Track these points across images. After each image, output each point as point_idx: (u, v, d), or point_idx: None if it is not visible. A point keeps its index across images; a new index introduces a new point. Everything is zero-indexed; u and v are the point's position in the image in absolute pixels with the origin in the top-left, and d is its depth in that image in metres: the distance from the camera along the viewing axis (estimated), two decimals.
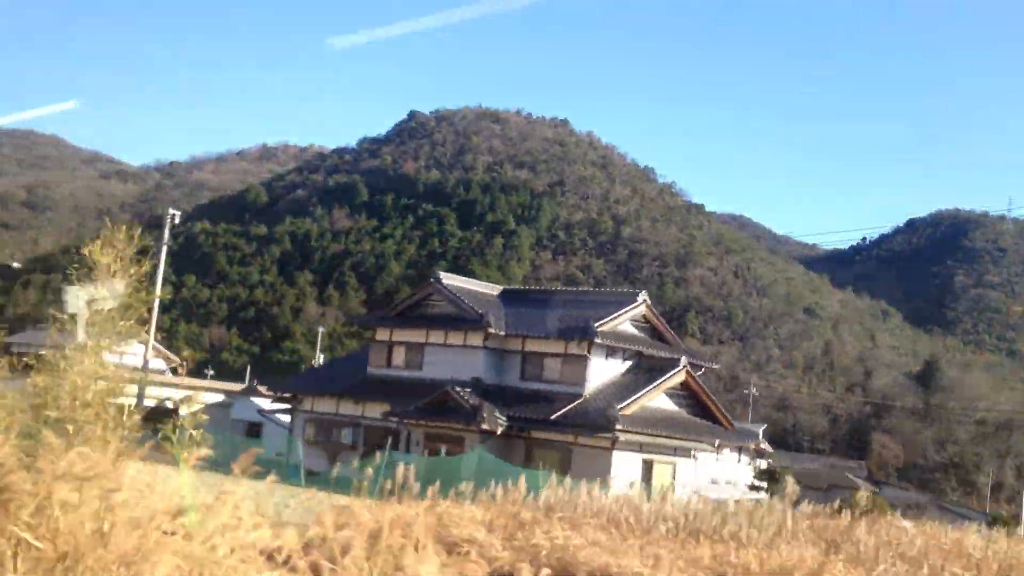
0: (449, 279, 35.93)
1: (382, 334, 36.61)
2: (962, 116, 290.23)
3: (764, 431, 50.43)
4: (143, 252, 7.13)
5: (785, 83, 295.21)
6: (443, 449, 29.59)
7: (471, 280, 39.68)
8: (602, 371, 31.78)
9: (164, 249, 40.20)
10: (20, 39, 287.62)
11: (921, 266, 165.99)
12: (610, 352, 32.14)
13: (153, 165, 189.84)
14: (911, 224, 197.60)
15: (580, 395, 30.83)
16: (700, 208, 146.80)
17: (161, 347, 48.47)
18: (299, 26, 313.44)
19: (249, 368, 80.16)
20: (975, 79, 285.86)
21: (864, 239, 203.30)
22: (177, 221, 39.69)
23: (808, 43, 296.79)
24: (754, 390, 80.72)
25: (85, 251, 7.10)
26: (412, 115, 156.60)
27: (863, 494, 26.38)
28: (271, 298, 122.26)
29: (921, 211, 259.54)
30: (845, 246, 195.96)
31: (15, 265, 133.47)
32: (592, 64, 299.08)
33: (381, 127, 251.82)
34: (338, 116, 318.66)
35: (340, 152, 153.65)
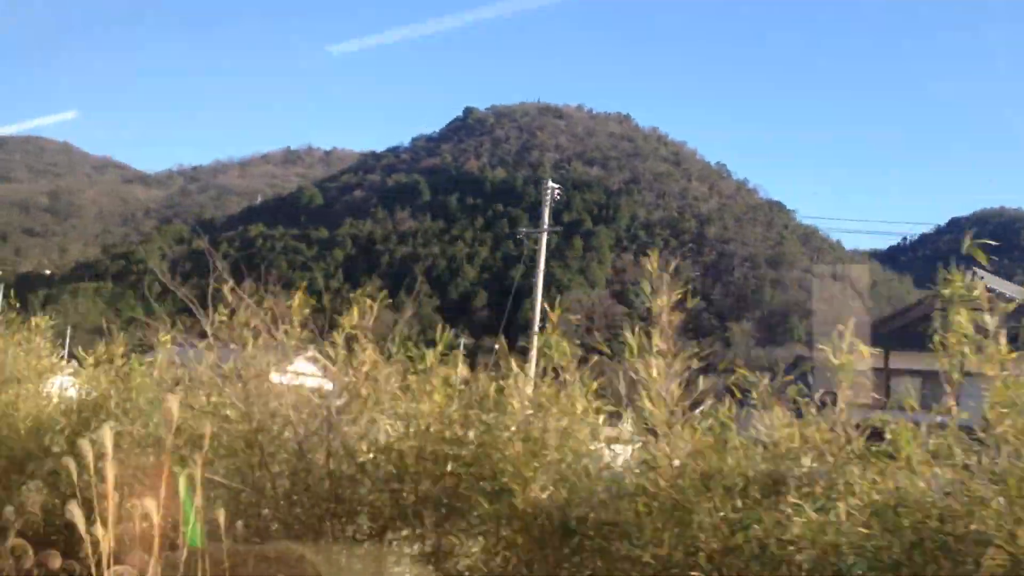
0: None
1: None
2: (985, 115, 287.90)
3: None
4: None
5: (806, 76, 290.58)
6: None
7: (991, 276, 28.89)
8: None
9: (543, 238, 32.56)
10: (23, 49, 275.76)
11: (973, 266, 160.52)
12: None
13: (176, 170, 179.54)
14: (954, 223, 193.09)
15: None
16: (780, 206, 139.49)
17: None
18: (305, 30, 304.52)
19: None
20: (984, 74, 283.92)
21: (905, 239, 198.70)
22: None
23: (833, 40, 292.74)
24: None
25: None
26: (468, 112, 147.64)
27: None
28: (340, 305, 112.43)
29: (963, 210, 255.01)
30: (884, 246, 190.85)
31: (47, 272, 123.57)
32: (645, 58, 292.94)
33: (407, 128, 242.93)
34: (355, 118, 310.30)
35: (395, 151, 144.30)
